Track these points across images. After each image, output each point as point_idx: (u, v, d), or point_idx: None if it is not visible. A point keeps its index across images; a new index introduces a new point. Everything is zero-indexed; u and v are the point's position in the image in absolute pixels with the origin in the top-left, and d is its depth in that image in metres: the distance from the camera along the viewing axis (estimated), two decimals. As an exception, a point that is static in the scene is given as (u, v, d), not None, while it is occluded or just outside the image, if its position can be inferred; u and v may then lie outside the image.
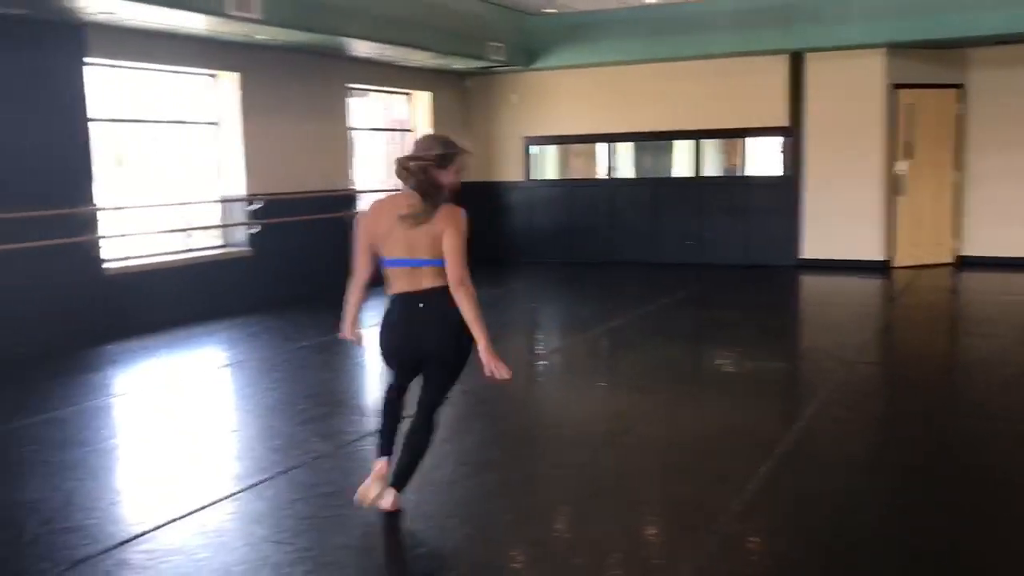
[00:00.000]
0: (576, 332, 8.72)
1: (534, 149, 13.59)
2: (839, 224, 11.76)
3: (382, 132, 12.59)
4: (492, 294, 10.62)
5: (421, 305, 3.84)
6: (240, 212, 9.99)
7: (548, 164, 13.90)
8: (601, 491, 4.30)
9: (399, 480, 3.95)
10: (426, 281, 3.83)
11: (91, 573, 3.54)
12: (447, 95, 13.15)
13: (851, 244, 11.73)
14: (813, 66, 11.68)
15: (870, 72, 11.38)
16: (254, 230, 9.92)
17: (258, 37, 9.16)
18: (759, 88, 11.97)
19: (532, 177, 13.62)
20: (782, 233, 12.12)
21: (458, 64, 12.21)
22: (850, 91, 11.51)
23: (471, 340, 3.82)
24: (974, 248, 11.82)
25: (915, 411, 5.74)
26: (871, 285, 10.74)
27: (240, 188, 9.93)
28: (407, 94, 12.77)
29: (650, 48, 11.86)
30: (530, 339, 8.76)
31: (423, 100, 12.82)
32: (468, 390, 6.09)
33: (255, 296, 9.82)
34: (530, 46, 12.45)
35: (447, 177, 3.83)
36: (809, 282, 11.23)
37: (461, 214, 3.83)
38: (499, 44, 11.74)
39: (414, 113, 12.89)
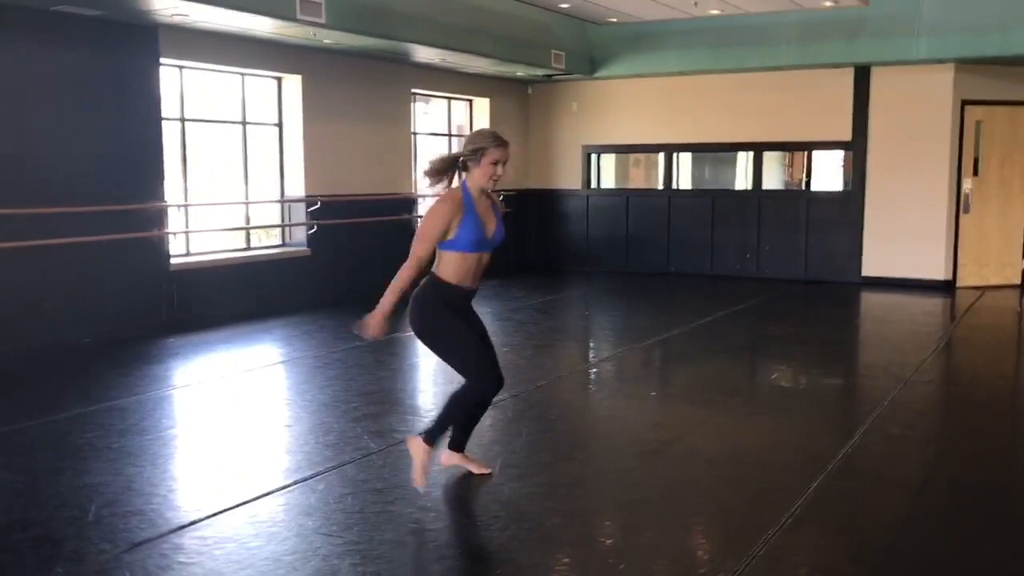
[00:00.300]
0: (629, 342, 8.71)
1: (596, 157, 13.61)
2: (902, 241, 11.56)
3: (444, 137, 12.71)
4: (547, 301, 10.67)
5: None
6: (300, 212, 10.18)
7: (606, 173, 13.91)
8: (648, 499, 4.30)
9: (429, 431, 4.30)
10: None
11: (148, 556, 3.65)
12: (508, 101, 13.24)
13: (914, 262, 11.53)
14: (879, 80, 11.52)
15: (938, 87, 11.18)
16: (312, 230, 10.10)
17: (324, 41, 9.34)
18: (823, 101, 11.84)
19: (591, 186, 13.64)
20: (843, 249, 11.95)
21: (520, 71, 12.29)
22: (916, 106, 11.32)
23: (432, 311, 4.06)
24: (1042, 269, 11.52)
25: (971, 431, 5.63)
26: (933, 304, 10.53)
27: (300, 189, 10.13)
28: (468, 100, 12.89)
29: (713, 59, 11.81)
30: (583, 346, 8.77)
31: (483, 106, 12.92)
32: (518, 394, 6.15)
33: (312, 295, 10.01)
34: (592, 55, 12.48)
35: (479, 169, 4.03)
36: (869, 299, 11.05)
37: (442, 198, 4.04)
38: (561, 52, 11.79)
39: (475, 119, 13.00)
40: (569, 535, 3.95)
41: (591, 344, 8.96)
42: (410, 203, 11.61)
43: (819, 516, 4.14)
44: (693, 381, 7.12)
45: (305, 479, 4.54)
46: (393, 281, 4.01)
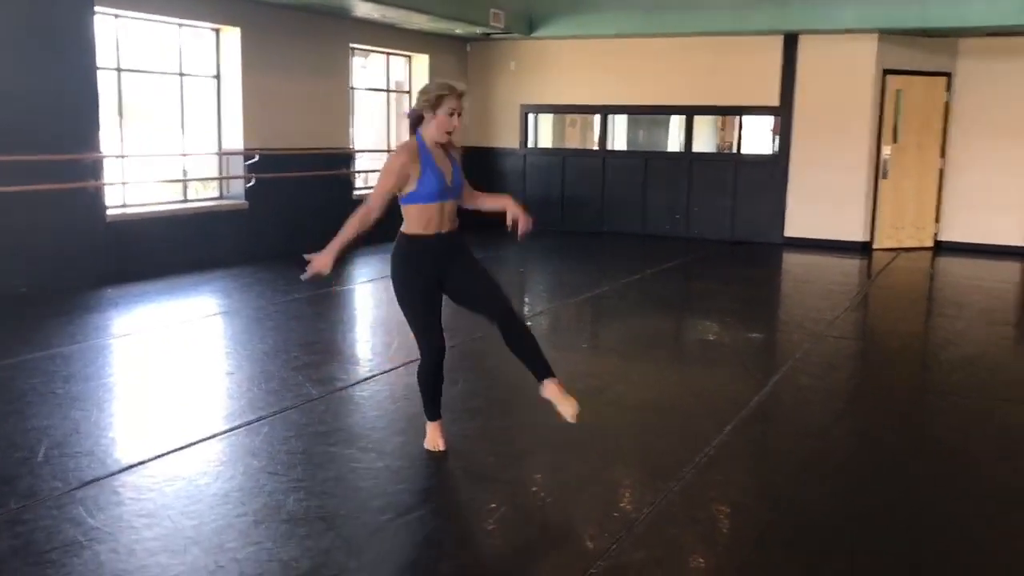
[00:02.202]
0: (562, 297, 9.02)
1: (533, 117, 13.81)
2: (823, 204, 12.06)
3: (381, 93, 12.76)
4: (483, 258, 10.87)
5: None
6: (238, 165, 10.20)
7: (544, 133, 14.12)
8: (575, 442, 4.60)
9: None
10: None
11: (100, 492, 3.84)
12: (447, 59, 13.32)
13: (834, 224, 12.04)
14: (806, 48, 11.91)
15: (861, 56, 11.62)
16: (250, 183, 10.15)
17: (263, -6, 9.33)
18: (753, 67, 12.21)
19: (528, 145, 13.85)
20: (769, 211, 12.41)
21: (459, 29, 12.37)
22: (841, 74, 11.75)
23: (397, 271, 4.12)
24: (953, 233, 12.15)
25: (876, 384, 6.09)
26: (851, 265, 11.06)
27: (238, 142, 10.15)
28: (407, 56, 12.95)
29: (648, 23, 12.06)
30: (517, 302, 9.05)
31: (422, 62, 13.00)
32: (455, 346, 6.40)
33: (250, 248, 10.08)
34: (531, 14, 12.62)
35: (434, 120, 4.02)
36: (791, 259, 11.55)
37: (398, 151, 4.07)
38: (500, 11, 11.91)
39: (414, 75, 13.07)
40: (501, 473, 4.25)
41: (526, 299, 9.24)
42: (348, 158, 11.70)
43: (730, 457, 4.50)
44: (622, 334, 7.46)
45: (249, 423, 4.74)
46: (344, 227, 4.01)
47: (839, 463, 4.55)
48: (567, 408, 4.06)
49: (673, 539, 3.59)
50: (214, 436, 4.56)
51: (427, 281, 4.13)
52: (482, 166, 13.90)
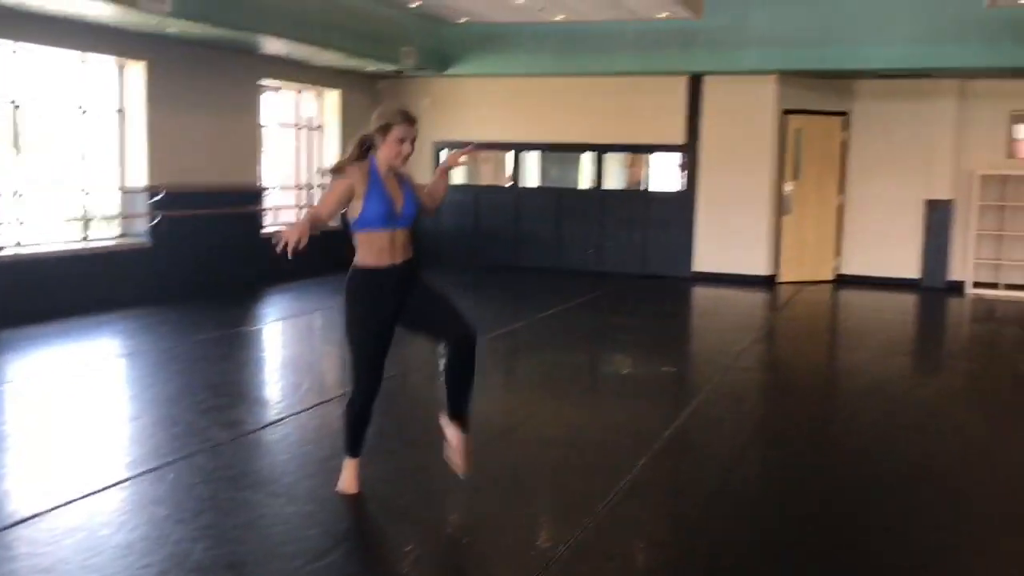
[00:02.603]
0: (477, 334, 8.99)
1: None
2: (729, 239, 12.38)
3: (292, 129, 12.64)
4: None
5: None
6: (141, 203, 9.93)
7: (457, 169, 14.13)
8: (491, 480, 4.57)
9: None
10: None
11: (-9, 547, 3.64)
12: (359, 95, 13.29)
13: (740, 259, 12.37)
14: (710, 88, 12.28)
15: (762, 97, 12.04)
16: (155, 221, 9.89)
17: (168, 30, 9.16)
18: (660, 107, 12.52)
19: (439, 181, 13.86)
20: (677, 246, 12.68)
21: (371, 66, 12.37)
22: (743, 114, 12.15)
23: (347, 302, 4.05)
24: (852, 267, 12.62)
25: (783, 414, 6.24)
26: (756, 298, 11.36)
27: (142, 178, 9.89)
28: (318, 92, 12.87)
29: (558, 63, 12.27)
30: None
31: (333, 98, 12.94)
32: (368, 384, 6.33)
33: (155, 288, 9.79)
34: (443, 52, 12.70)
35: (385, 147, 3.98)
36: (699, 293, 11.80)
37: (348, 170, 3.97)
38: (412, 49, 11.96)
39: (325, 111, 12.99)
40: (416, 514, 4.19)
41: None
42: (257, 194, 11.51)
43: (644, 490, 4.54)
44: (536, 370, 7.49)
45: (154, 469, 4.58)
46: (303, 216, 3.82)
47: (750, 492, 4.64)
48: (462, 465, 4.20)
49: (587, 575, 3.59)
50: (116, 484, 4.38)
51: (380, 322, 4.05)
52: (395, 203, 13.88)
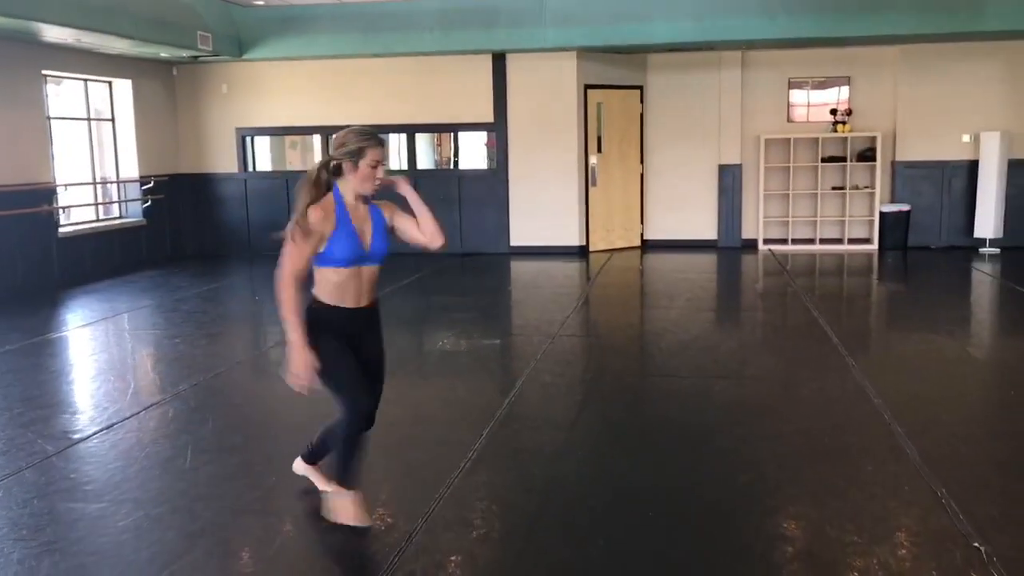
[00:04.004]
0: (302, 322, 8.88)
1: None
2: (542, 213, 12.80)
3: (83, 121, 11.91)
4: (211, 289, 10.52)
5: None
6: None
7: (263, 156, 13.83)
8: (340, 464, 4.61)
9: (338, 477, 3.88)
10: None
11: None
12: (152, 83, 12.70)
13: (553, 231, 12.82)
14: (514, 66, 12.59)
15: (564, 73, 12.47)
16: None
17: (-63, 18, 8.43)
18: (466, 86, 12.71)
19: (248, 169, 13.51)
20: (494, 222, 12.97)
21: (164, 53, 11.84)
22: (547, 91, 12.55)
23: (311, 333, 3.62)
24: (656, 232, 13.37)
25: (608, 374, 6.62)
26: (571, 268, 11.83)
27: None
28: (108, 82, 12.19)
29: (362, 43, 12.19)
30: (255, 332, 8.84)
31: (125, 88, 12.30)
32: (198, 383, 6.19)
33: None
34: (240, 37, 12.33)
35: (356, 173, 3.62)
36: (518, 267, 12.15)
37: (311, 209, 3.58)
38: (208, 34, 11.54)
39: (116, 102, 12.33)
40: (269, 506, 4.19)
41: (264, 329, 9.03)
42: (49, 193, 10.80)
43: (491, 458, 4.73)
44: (368, 354, 7.51)
45: (-22, 490, 4.32)
46: (282, 311, 3.56)
47: (588, 449, 4.93)
48: (363, 516, 3.85)
49: (450, 543, 3.73)
50: (-63, 510, 4.11)
51: (341, 343, 3.70)
52: (199, 192, 13.42)
